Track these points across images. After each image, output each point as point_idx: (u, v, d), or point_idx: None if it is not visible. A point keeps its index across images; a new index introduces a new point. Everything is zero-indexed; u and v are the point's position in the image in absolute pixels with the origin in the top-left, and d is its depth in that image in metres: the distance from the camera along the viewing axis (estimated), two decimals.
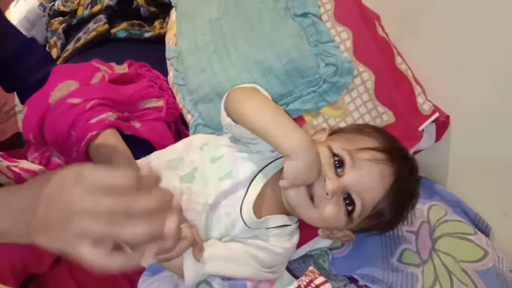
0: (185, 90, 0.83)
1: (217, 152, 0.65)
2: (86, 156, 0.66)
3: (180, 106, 0.85)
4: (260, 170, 0.62)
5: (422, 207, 0.77)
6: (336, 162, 0.58)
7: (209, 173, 0.63)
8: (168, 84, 0.89)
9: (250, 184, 0.61)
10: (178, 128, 0.91)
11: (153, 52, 0.98)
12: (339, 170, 0.58)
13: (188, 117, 0.84)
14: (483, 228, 0.74)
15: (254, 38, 0.75)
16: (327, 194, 0.56)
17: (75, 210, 0.34)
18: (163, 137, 0.83)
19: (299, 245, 0.68)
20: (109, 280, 0.58)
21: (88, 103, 0.67)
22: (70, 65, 0.89)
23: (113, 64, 0.87)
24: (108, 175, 0.35)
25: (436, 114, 0.73)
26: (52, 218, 0.36)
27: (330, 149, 0.59)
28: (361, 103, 0.73)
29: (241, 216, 0.60)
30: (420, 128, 0.73)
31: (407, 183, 0.61)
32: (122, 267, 0.36)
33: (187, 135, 0.85)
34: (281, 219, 0.62)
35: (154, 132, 0.81)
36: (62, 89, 0.70)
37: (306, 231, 0.67)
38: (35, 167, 0.69)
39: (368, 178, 0.57)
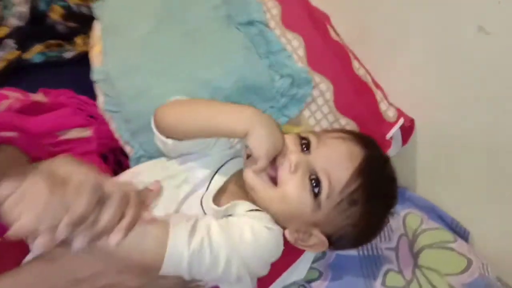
0: (119, 118, 0.71)
1: (168, 167, 0.58)
2: None
3: (116, 136, 0.73)
4: (220, 168, 0.57)
5: (397, 217, 0.72)
6: (303, 145, 0.54)
7: (164, 186, 0.55)
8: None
9: (211, 181, 0.56)
10: (118, 159, 0.80)
11: (79, 74, 0.84)
12: (305, 151, 0.54)
13: (127, 149, 0.72)
14: (461, 233, 0.71)
15: (196, 53, 0.66)
16: (291, 167, 0.51)
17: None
18: None
19: (271, 279, 0.61)
20: None
21: None
22: None
23: (30, 94, 0.74)
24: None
25: (402, 120, 0.69)
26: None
27: (297, 133, 0.56)
28: (322, 117, 0.66)
29: (202, 209, 0.54)
30: (387, 137, 0.68)
31: (379, 168, 0.56)
32: None
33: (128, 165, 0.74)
34: (251, 205, 0.54)
35: None
36: None
37: (277, 264, 0.59)
38: None
39: (334, 154, 0.53)
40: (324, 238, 0.54)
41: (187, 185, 0.55)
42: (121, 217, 0.45)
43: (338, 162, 0.53)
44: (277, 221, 0.53)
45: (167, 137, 0.55)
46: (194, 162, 0.57)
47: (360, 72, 0.69)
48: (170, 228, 0.47)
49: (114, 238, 0.43)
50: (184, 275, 0.47)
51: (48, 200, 0.40)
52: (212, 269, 0.47)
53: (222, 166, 0.57)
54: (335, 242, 0.56)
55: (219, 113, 0.52)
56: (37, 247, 0.40)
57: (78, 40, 0.91)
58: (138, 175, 0.59)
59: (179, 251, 0.46)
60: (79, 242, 0.42)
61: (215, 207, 0.52)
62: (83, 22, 0.91)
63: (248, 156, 0.54)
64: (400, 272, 0.64)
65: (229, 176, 0.56)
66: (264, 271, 0.53)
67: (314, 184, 0.52)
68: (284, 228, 0.53)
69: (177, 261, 0.46)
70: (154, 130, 0.56)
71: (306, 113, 0.66)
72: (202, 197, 0.54)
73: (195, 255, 0.46)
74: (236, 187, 0.57)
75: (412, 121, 0.71)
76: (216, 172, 0.56)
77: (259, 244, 0.50)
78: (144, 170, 0.60)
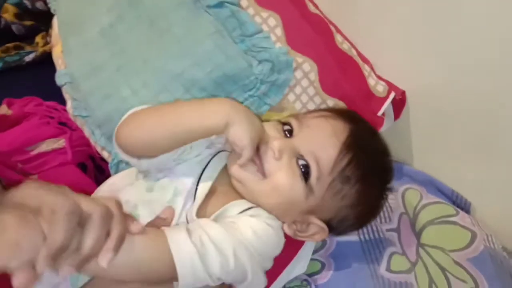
0: (91, 123, 0.66)
1: (150, 178, 0.53)
2: None
3: (91, 141, 0.68)
4: (202, 173, 0.52)
5: (396, 194, 0.70)
6: (286, 131, 0.52)
7: (154, 204, 0.50)
8: None
9: (196, 191, 0.51)
10: (98, 164, 0.75)
11: (43, 76, 0.78)
12: (289, 137, 0.52)
13: (105, 154, 0.68)
14: (462, 205, 0.69)
15: (164, 44, 0.60)
16: (274, 154, 0.48)
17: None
18: (77, 184, 0.67)
19: (272, 277, 0.58)
20: None
21: None
22: None
23: None
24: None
25: (392, 94, 0.64)
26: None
27: (278, 120, 0.55)
28: (307, 99, 0.62)
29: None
30: (379, 113, 0.63)
31: (367, 140, 0.54)
32: None
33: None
34: (243, 203, 0.50)
35: (60, 181, 0.65)
36: None
37: (277, 260, 0.56)
38: None
39: (318, 133, 0.51)
40: (323, 225, 0.52)
41: (180, 197, 0.50)
42: (107, 235, 0.41)
43: (323, 141, 0.50)
44: None
45: (138, 158, 0.49)
46: (175, 172, 0.52)
47: (344, 46, 0.64)
48: (166, 233, 0.43)
49: (103, 260, 0.39)
50: (205, 278, 0.43)
51: (19, 234, 0.36)
52: (225, 264, 0.43)
53: (204, 169, 0.52)
54: (335, 227, 0.53)
55: (190, 113, 0.47)
56: (16, 285, 0.36)
57: (38, 39, 0.84)
58: (119, 192, 0.53)
59: (186, 251, 0.42)
60: (65, 271, 0.38)
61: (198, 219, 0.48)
62: (40, 19, 0.84)
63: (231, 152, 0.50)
64: (404, 253, 0.62)
65: (214, 178, 0.52)
66: (268, 265, 0.50)
67: (303, 169, 0.49)
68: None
69: (189, 262, 0.42)
70: (119, 152, 0.50)
71: (291, 97, 0.61)
72: (187, 212, 0.49)
73: (202, 252, 0.43)
74: (225, 187, 0.52)
75: (403, 93, 0.67)
76: (199, 179, 0.51)
77: (262, 241, 0.47)
78: (123, 184, 0.54)
